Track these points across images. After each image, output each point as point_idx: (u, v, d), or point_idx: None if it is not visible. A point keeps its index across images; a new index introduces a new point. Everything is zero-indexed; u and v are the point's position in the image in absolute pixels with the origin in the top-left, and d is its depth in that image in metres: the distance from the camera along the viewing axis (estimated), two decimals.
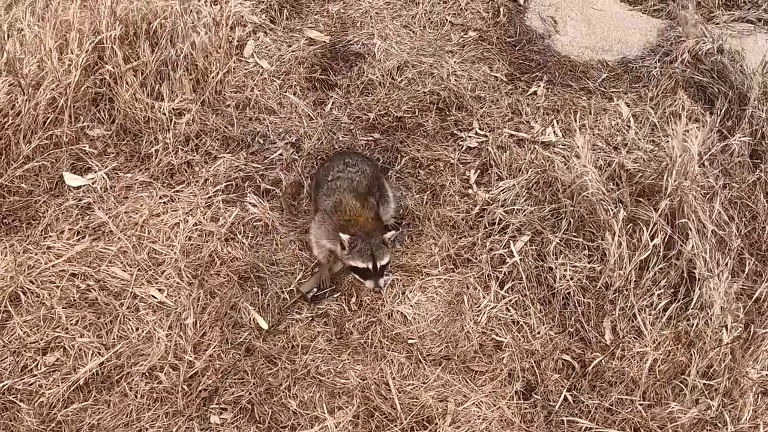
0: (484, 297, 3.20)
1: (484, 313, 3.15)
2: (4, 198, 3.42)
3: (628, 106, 3.99)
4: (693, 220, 3.26)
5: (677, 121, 3.71)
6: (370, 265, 2.92)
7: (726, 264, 3.25)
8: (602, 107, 3.95)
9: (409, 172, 3.61)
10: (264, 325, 3.08)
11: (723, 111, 3.88)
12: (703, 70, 4.12)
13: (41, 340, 3.00)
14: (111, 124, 3.70)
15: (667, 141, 3.63)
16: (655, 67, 4.17)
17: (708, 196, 3.42)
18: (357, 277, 3.02)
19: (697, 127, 3.73)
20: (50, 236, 3.31)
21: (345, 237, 2.95)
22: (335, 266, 3.23)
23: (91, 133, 3.69)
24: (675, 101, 3.99)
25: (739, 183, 3.60)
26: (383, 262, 2.95)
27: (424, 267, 3.30)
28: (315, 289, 3.20)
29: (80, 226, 3.35)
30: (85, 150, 3.60)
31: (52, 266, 3.19)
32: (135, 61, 3.73)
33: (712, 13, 4.50)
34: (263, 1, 4.33)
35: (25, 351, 2.97)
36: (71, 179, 3.53)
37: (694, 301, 3.14)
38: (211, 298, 3.12)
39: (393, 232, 3.14)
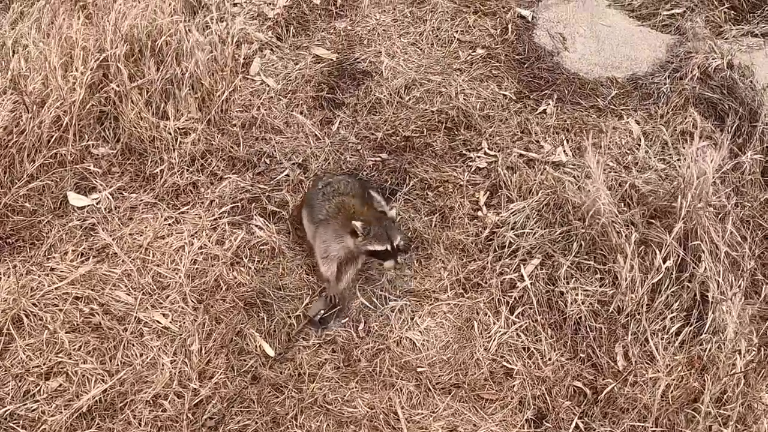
0: (494, 323, 3.15)
1: (494, 339, 3.09)
2: (8, 217, 3.38)
3: (639, 123, 3.94)
4: (705, 242, 3.21)
5: (689, 140, 3.69)
6: (389, 246, 2.99)
7: (739, 286, 3.19)
8: (612, 125, 3.90)
9: (418, 194, 3.56)
10: (270, 352, 3.03)
11: (734, 127, 3.83)
12: (713, 86, 4.08)
13: (44, 364, 2.95)
14: (116, 143, 3.67)
15: (679, 160, 3.59)
16: (665, 84, 4.13)
17: (720, 216, 3.37)
18: (376, 260, 3.08)
19: (708, 145, 3.70)
20: (54, 257, 3.27)
21: (358, 223, 3.03)
22: (339, 285, 3.19)
23: (95, 151, 3.65)
24: (686, 118, 3.94)
25: (751, 201, 3.56)
26: (398, 241, 3.03)
27: (433, 291, 3.25)
28: (322, 311, 3.16)
29: (84, 248, 3.31)
30: (89, 169, 3.57)
31: (56, 289, 3.15)
32: (140, 79, 3.70)
33: (720, 27, 4.46)
34: (270, 18, 4.31)
35: (27, 375, 2.93)
36: (75, 199, 3.49)
37: (707, 325, 3.09)
38: (216, 324, 3.07)
39: (394, 209, 3.28)
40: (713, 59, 4.16)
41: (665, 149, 3.80)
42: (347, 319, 3.19)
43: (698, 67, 4.13)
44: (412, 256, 3.38)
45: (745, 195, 3.58)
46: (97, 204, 3.47)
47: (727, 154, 3.68)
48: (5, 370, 2.93)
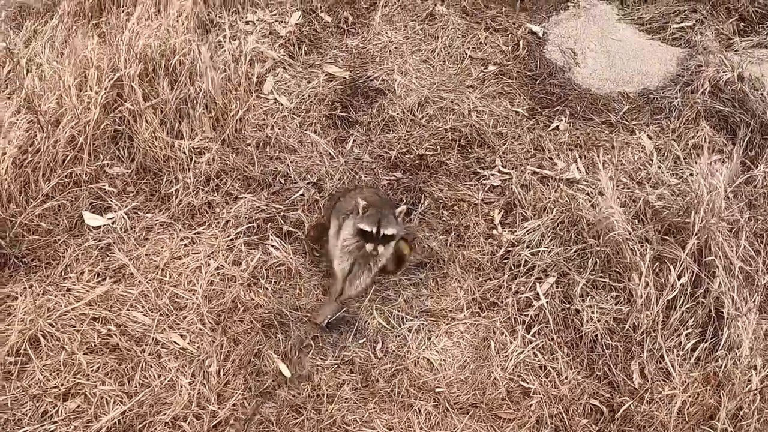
0: (511, 342, 3.15)
1: (511, 358, 3.10)
2: (24, 237, 3.40)
3: (651, 138, 3.95)
4: (719, 257, 3.22)
5: (700, 155, 3.70)
6: (374, 230, 3.10)
7: (754, 301, 3.20)
8: (625, 141, 3.91)
9: (433, 213, 3.58)
10: (287, 373, 3.03)
11: (746, 140, 3.84)
12: (724, 99, 4.09)
13: (61, 385, 2.96)
14: (131, 162, 3.68)
15: (692, 175, 3.60)
16: (676, 98, 4.14)
17: (734, 231, 3.37)
18: (362, 240, 3.14)
19: (720, 160, 3.70)
20: (70, 277, 3.28)
21: (362, 203, 3.19)
22: (349, 289, 3.24)
23: (110, 171, 3.67)
24: (697, 132, 3.95)
25: (764, 215, 3.56)
26: (388, 232, 3.12)
27: (449, 311, 3.26)
28: (329, 316, 3.17)
29: (100, 268, 3.32)
30: (104, 189, 3.58)
31: (73, 309, 3.16)
32: (154, 98, 3.72)
33: (730, 40, 4.48)
34: (282, 36, 4.33)
35: (45, 396, 2.93)
36: (91, 219, 3.51)
37: (722, 341, 3.10)
38: (234, 346, 3.08)
39: (403, 206, 3.34)
40: (724, 72, 4.17)
41: (678, 164, 3.81)
42: (351, 328, 3.22)
43: (709, 81, 4.14)
44: (428, 275, 3.39)
45: (758, 208, 3.59)
46: (112, 224, 3.48)
47: (740, 167, 3.70)
48: (23, 391, 2.94)
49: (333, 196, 3.55)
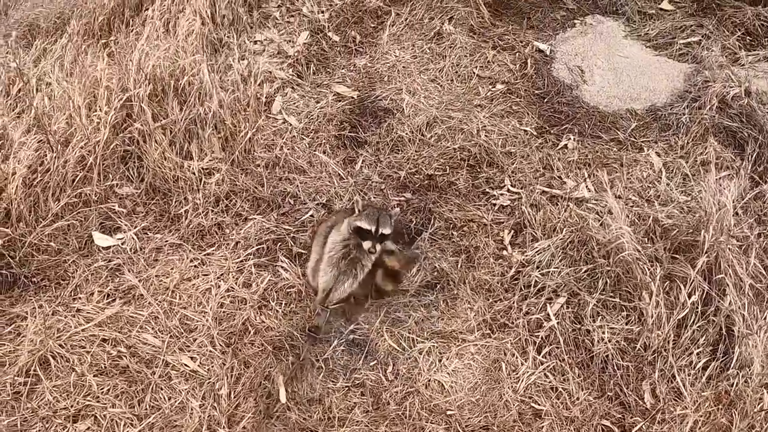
0: (522, 363, 3.14)
1: (522, 380, 3.08)
2: (33, 256, 3.40)
3: (659, 155, 3.95)
4: (729, 275, 3.21)
5: (709, 171, 3.70)
6: (373, 228, 3.17)
7: (765, 318, 3.19)
8: (633, 158, 3.91)
9: (443, 234, 3.57)
10: (283, 399, 3.01)
11: (754, 156, 3.84)
12: (732, 115, 4.09)
13: (71, 407, 2.96)
14: (140, 182, 3.69)
15: (700, 192, 3.60)
16: (684, 114, 4.14)
17: (743, 248, 3.37)
18: (359, 240, 3.20)
19: (729, 176, 3.70)
20: (80, 298, 3.28)
21: (360, 201, 3.32)
22: (331, 296, 3.24)
23: (120, 191, 3.68)
24: (706, 149, 3.95)
25: None
26: (385, 231, 3.19)
27: (460, 332, 3.24)
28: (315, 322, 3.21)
29: (110, 289, 3.32)
30: (114, 209, 3.59)
31: (82, 330, 3.16)
32: (163, 119, 3.73)
33: (736, 54, 4.48)
34: (290, 56, 4.35)
35: (55, 417, 2.93)
36: (100, 239, 3.51)
37: (734, 359, 3.09)
38: (245, 368, 3.07)
39: (398, 209, 3.54)
40: (731, 87, 4.18)
41: (686, 181, 3.81)
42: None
43: (716, 96, 4.14)
44: (439, 297, 3.39)
45: (767, 224, 3.58)
46: (122, 244, 3.48)
47: (748, 183, 3.70)
48: (32, 412, 2.94)
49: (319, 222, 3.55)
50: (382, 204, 3.69)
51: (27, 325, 3.16)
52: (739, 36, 4.58)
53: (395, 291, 3.37)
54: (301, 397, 3.03)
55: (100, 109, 3.71)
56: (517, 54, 4.46)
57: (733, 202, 3.36)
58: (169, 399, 2.99)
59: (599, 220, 3.48)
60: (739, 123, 4.05)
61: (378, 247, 3.17)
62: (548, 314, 3.25)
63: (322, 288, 3.24)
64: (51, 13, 4.85)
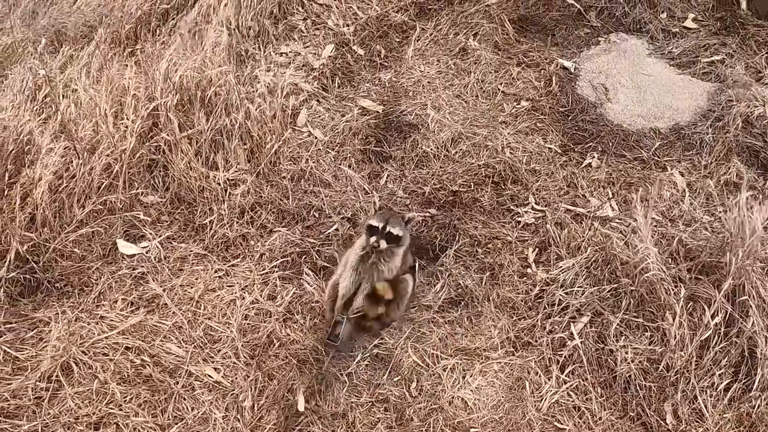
0: (545, 382, 3.13)
1: (545, 398, 3.07)
2: (57, 262, 3.43)
3: (683, 175, 3.94)
4: (753, 297, 3.20)
5: (733, 191, 3.70)
6: (381, 226, 3.24)
7: None
8: (657, 178, 3.90)
9: (467, 251, 3.57)
10: (301, 407, 3.02)
11: None
12: (756, 134, 4.08)
13: (93, 414, 2.97)
14: (165, 191, 3.71)
15: (724, 212, 3.59)
16: (708, 133, 4.13)
17: (766, 270, 3.35)
18: (368, 236, 3.26)
19: (753, 196, 3.69)
20: (103, 305, 3.30)
21: (378, 201, 3.49)
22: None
23: (145, 200, 3.70)
24: (729, 169, 3.94)
25: None
26: (394, 231, 3.25)
27: (483, 350, 3.24)
28: (336, 331, 3.19)
29: (134, 297, 3.34)
30: (139, 217, 3.61)
31: (106, 338, 3.18)
32: (190, 129, 3.76)
33: (760, 73, 4.47)
34: (315, 69, 4.37)
35: (76, 424, 2.95)
36: (125, 247, 3.53)
37: (756, 381, 3.07)
38: (269, 381, 3.08)
39: (413, 214, 3.58)
40: (755, 106, 4.16)
41: (710, 201, 3.80)
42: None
43: (740, 115, 4.13)
44: (462, 314, 3.38)
45: None
46: (146, 253, 3.50)
47: None
48: (54, 418, 2.96)
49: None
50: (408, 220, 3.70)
51: (50, 330, 3.18)
52: (763, 55, 4.57)
53: (379, 322, 3.32)
54: (325, 411, 3.03)
55: (127, 118, 3.74)
56: (541, 71, 4.46)
57: (762, 225, 3.35)
58: (192, 409, 3.00)
59: (624, 240, 3.48)
60: (762, 142, 4.03)
61: (383, 243, 3.21)
62: (572, 333, 3.24)
63: (342, 294, 3.24)
64: (78, 20, 4.91)
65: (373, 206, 3.31)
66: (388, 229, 3.22)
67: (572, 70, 4.51)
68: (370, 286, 3.26)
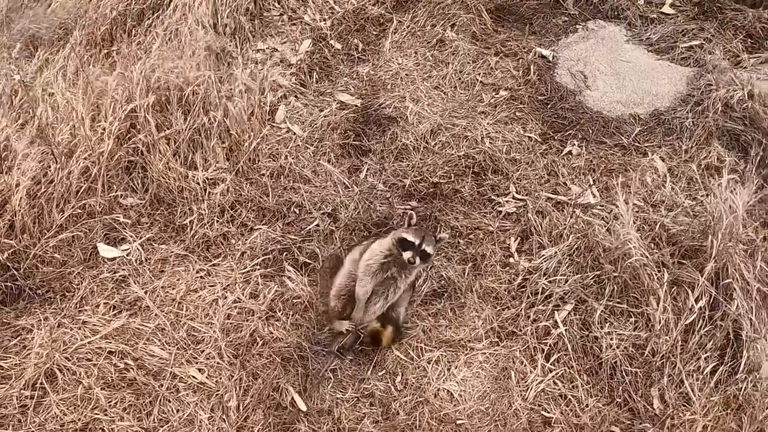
0: (530, 371, 3.14)
1: (531, 388, 3.08)
2: (38, 268, 3.40)
3: (663, 160, 3.94)
4: (737, 279, 3.21)
5: (715, 175, 3.71)
6: (417, 242, 3.10)
7: None
8: (638, 163, 3.91)
9: (449, 242, 3.56)
10: (303, 407, 3.02)
11: (758, 159, 3.83)
12: (735, 118, 4.09)
13: (79, 420, 2.95)
14: (144, 193, 3.68)
15: (706, 196, 3.60)
16: (687, 118, 4.13)
17: (749, 252, 3.36)
18: (400, 250, 3.13)
19: (734, 179, 3.69)
20: (85, 310, 3.28)
21: (413, 214, 3.26)
22: (366, 314, 3.19)
23: (124, 202, 3.67)
24: (710, 153, 3.95)
25: None
26: (428, 249, 3.13)
27: (468, 341, 3.24)
28: (342, 341, 3.16)
29: (116, 300, 3.31)
30: (118, 220, 3.58)
31: (89, 343, 3.15)
32: (168, 129, 3.73)
33: (738, 57, 4.48)
34: (293, 65, 4.34)
35: (62, 431, 2.92)
36: (105, 250, 3.50)
37: (742, 364, 3.08)
38: (253, 380, 3.06)
39: (445, 234, 3.48)
40: (734, 90, 4.17)
41: (691, 185, 3.80)
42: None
43: (720, 99, 4.13)
44: (446, 305, 3.38)
45: None
46: (127, 255, 3.47)
47: (753, 186, 3.69)
48: (39, 426, 2.93)
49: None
50: (388, 213, 3.68)
51: (33, 337, 3.15)
52: (740, 39, 4.58)
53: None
54: (311, 408, 3.02)
55: (104, 120, 3.71)
56: (519, 60, 4.45)
57: (742, 207, 3.36)
58: (178, 411, 2.98)
59: (606, 226, 3.48)
60: (742, 126, 4.05)
61: (418, 260, 3.11)
62: (556, 321, 3.25)
63: (360, 300, 3.17)
64: (53, 23, 4.85)
65: (407, 219, 3.22)
66: (423, 246, 3.11)
67: (550, 59, 4.50)
68: (373, 329, 3.22)
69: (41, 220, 3.50)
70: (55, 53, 4.54)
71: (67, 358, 3.10)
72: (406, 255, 3.06)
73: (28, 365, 3.04)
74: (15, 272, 3.34)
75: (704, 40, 4.60)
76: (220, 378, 3.06)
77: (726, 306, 3.17)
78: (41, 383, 3.02)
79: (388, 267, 3.12)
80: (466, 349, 3.21)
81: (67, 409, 2.97)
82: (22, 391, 2.98)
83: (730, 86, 4.19)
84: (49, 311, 3.27)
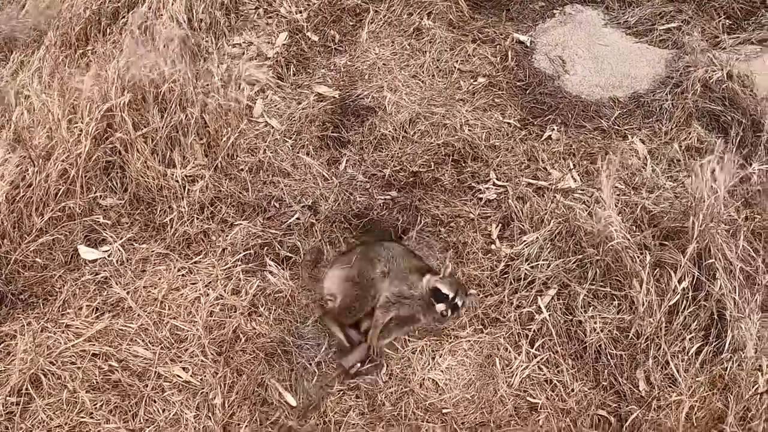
0: (515, 357, 3.14)
1: (516, 374, 3.08)
2: (19, 273, 3.37)
3: (644, 142, 3.94)
4: (719, 259, 3.21)
5: (695, 156, 3.71)
6: (452, 295, 3.12)
7: (756, 301, 3.20)
8: (618, 146, 3.91)
9: (430, 231, 3.55)
10: (293, 402, 3.01)
11: (738, 139, 3.84)
12: (715, 99, 4.09)
13: (65, 424, 2.93)
14: (123, 193, 3.64)
15: (686, 177, 3.60)
16: (667, 100, 4.13)
17: (731, 231, 3.37)
18: (432, 300, 3.14)
19: (715, 159, 3.70)
20: (68, 313, 3.25)
21: (450, 264, 3.34)
22: (383, 339, 3.20)
23: (103, 203, 3.64)
24: (690, 134, 3.95)
25: (760, 213, 3.56)
26: (459, 303, 3.14)
27: (452, 329, 3.23)
28: (359, 364, 3.14)
29: (98, 303, 3.28)
30: (98, 221, 3.55)
31: (72, 346, 3.13)
32: (145, 127, 3.69)
33: (717, 38, 4.48)
34: (269, 58, 4.31)
35: None
36: (86, 252, 3.47)
37: (727, 343, 3.09)
38: (238, 376, 3.05)
39: (475, 293, 3.37)
40: (713, 71, 4.17)
41: (672, 167, 3.81)
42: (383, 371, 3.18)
43: (699, 81, 4.14)
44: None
45: (754, 206, 3.59)
46: (108, 257, 3.45)
47: (734, 166, 3.70)
48: (27, 431, 2.91)
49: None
50: (369, 203, 3.66)
51: (16, 343, 3.12)
52: (719, 20, 4.57)
53: None
54: (297, 402, 3.01)
55: (81, 121, 3.67)
56: (497, 46, 4.43)
57: (723, 187, 3.36)
58: (163, 411, 2.96)
59: (587, 210, 3.48)
60: (722, 107, 4.05)
61: (451, 314, 3.14)
62: (539, 307, 3.25)
63: (381, 324, 3.19)
64: (27, 25, 4.80)
65: (444, 269, 3.25)
66: (456, 300, 3.13)
67: (528, 44, 4.49)
68: None
69: (21, 225, 3.46)
70: (30, 55, 4.50)
71: (51, 362, 3.07)
72: (440, 308, 3.10)
73: (12, 372, 3.01)
74: None
75: (682, 22, 4.60)
76: (205, 376, 3.04)
77: (709, 286, 3.18)
78: (26, 389, 2.98)
79: (412, 309, 3.18)
80: (450, 338, 3.21)
81: (54, 413, 2.94)
82: (7, 398, 2.95)
83: (709, 67, 4.19)
84: (32, 316, 3.24)
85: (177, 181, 3.62)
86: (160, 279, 3.35)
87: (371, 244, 3.38)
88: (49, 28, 4.63)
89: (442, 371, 3.12)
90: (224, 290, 3.32)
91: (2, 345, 3.14)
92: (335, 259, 3.40)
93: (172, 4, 4.32)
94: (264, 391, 3.02)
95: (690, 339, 3.12)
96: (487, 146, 3.89)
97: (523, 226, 3.51)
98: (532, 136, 3.99)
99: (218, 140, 3.76)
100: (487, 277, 3.38)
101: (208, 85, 3.94)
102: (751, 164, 3.72)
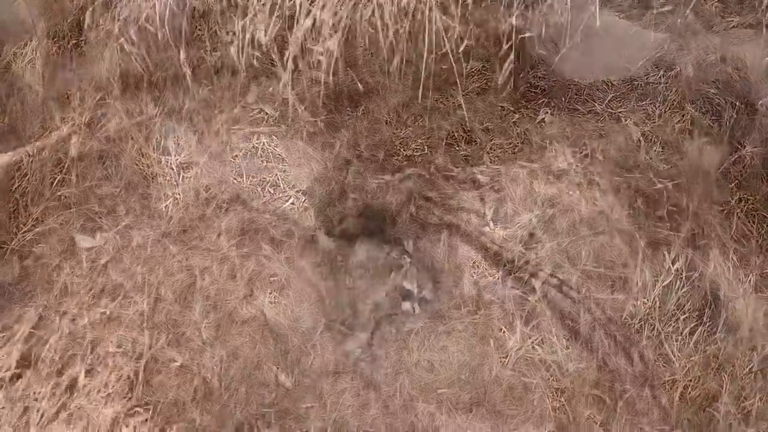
0: (509, 338, 3.17)
1: (510, 354, 3.11)
2: (17, 263, 3.39)
3: (637, 125, 3.95)
4: (713, 239, 3.24)
5: (689, 138, 3.72)
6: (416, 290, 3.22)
7: (749, 282, 3.22)
8: (611, 129, 3.92)
9: (424, 214, 3.57)
10: (288, 384, 3.04)
11: (731, 121, 3.85)
12: (708, 82, 4.10)
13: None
14: (119, 181, 3.65)
15: (680, 159, 3.62)
16: (660, 83, 4.14)
17: (725, 213, 3.40)
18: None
19: (708, 142, 3.72)
20: (66, 301, 3.27)
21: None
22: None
23: (99, 191, 3.65)
24: (683, 116, 3.96)
25: (753, 194, 3.58)
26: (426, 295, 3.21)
27: (446, 310, 3.25)
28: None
29: (95, 290, 3.31)
30: (94, 209, 3.57)
31: (70, 333, 3.16)
32: (139, 115, 3.71)
33: (711, 21, 4.48)
34: (263, 45, 4.30)
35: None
36: (83, 241, 3.50)
37: (720, 323, 3.12)
38: (234, 359, 3.08)
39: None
40: (706, 54, 4.18)
41: (665, 149, 3.82)
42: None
43: (692, 64, 4.15)
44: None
45: (747, 189, 3.60)
46: (104, 244, 3.47)
47: (728, 148, 3.71)
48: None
49: None
50: (362, 187, 3.69)
51: (17, 330, 3.15)
52: (713, 3, 4.57)
53: None
54: (293, 384, 3.05)
55: (74, 111, 3.69)
56: (491, 29, 4.43)
57: (716, 168, 3.39)
58: (161, 395, 3.00)
59: (580, 192, 3.50)
60: (715, 89, 4.06)
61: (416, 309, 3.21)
62: (533, 288, 3.27)
63: None
64: (18, 16, 4.80)
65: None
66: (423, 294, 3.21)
67: (521, 27, 4.49)
68: None
69: (17, 215, 3.49)
70: (23, 47, 4.51)
71: (49, 350, 3.10)
72: (405, 306, 3.17)
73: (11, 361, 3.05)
74: None
75: (676, 5, 4.60)
76: (202, 360, 3.08)
77: (703, 267, 3.21)
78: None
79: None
80: (445, 319, 3.23)
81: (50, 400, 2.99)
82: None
83: (702, 50, 4.20)
84: (30, 305, 3.27)
85: (172, 168, 3.63)
86: (156, 265, 3.38)
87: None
88: (42, 18, 4.65)
89: (436, 352, 3.15)
90: (219, 275, 3.34)
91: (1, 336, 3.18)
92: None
93: None
94: (260, 374, 3.05)
95: (684, 319, 3.15)
96: (481, 129, 3.90)
97: (516, 208, 3.52)
98: (526, 119, 3.99)
99: (212, 127, 3.78)
100: (482, 258, 3.41)
101: (202, 71, 3.96)
102: (744, 146, 3.74)
